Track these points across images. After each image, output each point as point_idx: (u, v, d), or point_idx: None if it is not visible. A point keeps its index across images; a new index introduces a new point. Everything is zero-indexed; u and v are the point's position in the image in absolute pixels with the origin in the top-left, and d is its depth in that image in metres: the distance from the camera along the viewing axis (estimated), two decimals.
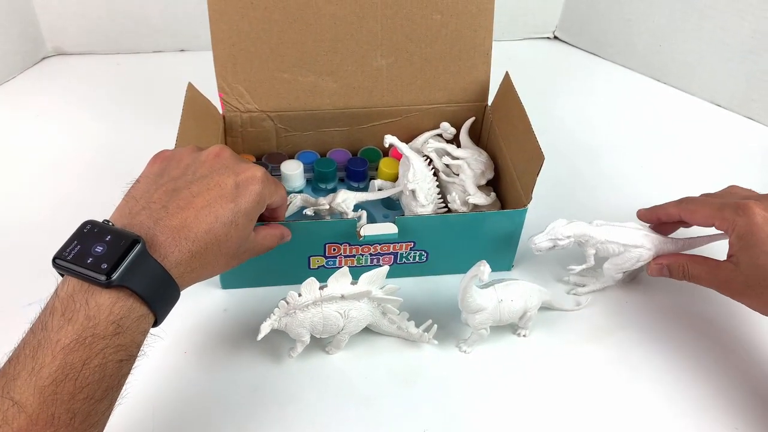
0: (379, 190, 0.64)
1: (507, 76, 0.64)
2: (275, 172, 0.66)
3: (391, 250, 0.58)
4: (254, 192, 0.42)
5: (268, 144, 0.69)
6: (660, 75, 0.94)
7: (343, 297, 0.49)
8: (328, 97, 0.66)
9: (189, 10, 0.90)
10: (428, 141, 0.67)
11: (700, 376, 0.54)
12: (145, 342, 0.38)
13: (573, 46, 1.02)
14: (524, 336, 0.56)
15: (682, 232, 0.59)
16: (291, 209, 0.59)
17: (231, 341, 0.54)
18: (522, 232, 0.59)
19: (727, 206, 0.51)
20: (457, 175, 0.63)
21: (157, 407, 0.49)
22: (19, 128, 0.79)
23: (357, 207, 0.60)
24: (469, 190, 0.61)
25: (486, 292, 0.51)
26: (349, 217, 0.58)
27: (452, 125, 0.68)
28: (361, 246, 0.57)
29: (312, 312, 0.49)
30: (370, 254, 0.58)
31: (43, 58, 0.92)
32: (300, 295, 0.48)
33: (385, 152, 0.69)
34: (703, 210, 0.53)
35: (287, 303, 0.48)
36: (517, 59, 0.90)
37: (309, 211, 0.60)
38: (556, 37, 1.04)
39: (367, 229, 0.55)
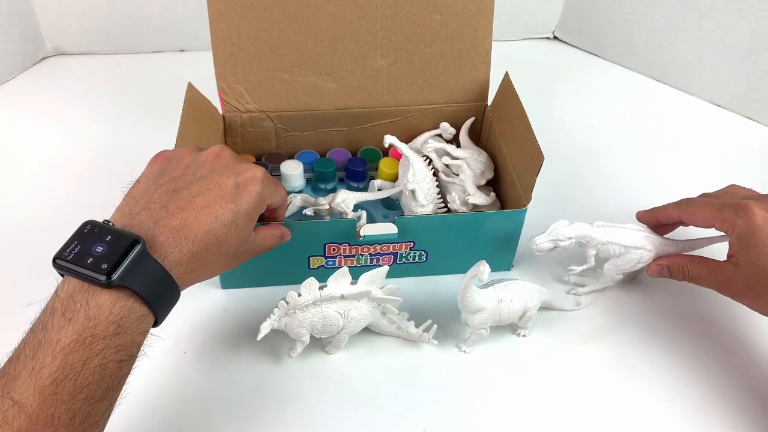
0: (379, 190, 0.64)
1: (507, 76, 0.64)
2: (275, 172, 0.66)
3: (391, 250, 0.58)
4: (254, 192, 0.42)
5: (268, 144, 0.69)
6: (660, 75, 0.94)
7: (342, 297, 0.49)
8: (328, 97, 0.66)
9: (189, 10, 0.90)
10: (428, 141, 0.67)
11: (700, 376, 0.54)
12: (145, 342, 0.38)
13: (573, 46, 1.02)
14: (524, 336, 0.56)
15: (682, 233, 0.59)
16: (291, 209, 0.59)
17: (231, 341, 0.54)
18: (522, 232, 0.59)
19: (727, 207, 0.51)
20: (457, 175, 0.64)
21: (157, 407, 0.49)
22: (19, 128, 0.79)
23: (357, 207, 0.60)
24: (469, 190, 0.61)
25: (486, 292, 0.51)
26: (348, 217, 0.58)
27: (452, 125, 0.68)
28: (360, 246, 0.57)
29: (312, 312, 0.49)
30: (370, 254, 0.58)
31: (43, 58, 0.92)
32: (300, 295, 0.48)
33: (385, 152, 0.69)
34: (703, 211, 0.53)
35: (287, 303, 0.48)
36: (516, 59, 0.90)
37: (309, 211, 0.60)
38: (555, 38, 1.04)
39: (367, 229, 0.55)
